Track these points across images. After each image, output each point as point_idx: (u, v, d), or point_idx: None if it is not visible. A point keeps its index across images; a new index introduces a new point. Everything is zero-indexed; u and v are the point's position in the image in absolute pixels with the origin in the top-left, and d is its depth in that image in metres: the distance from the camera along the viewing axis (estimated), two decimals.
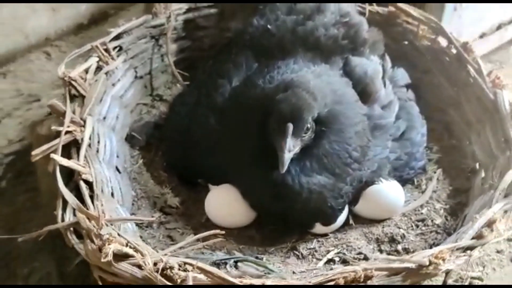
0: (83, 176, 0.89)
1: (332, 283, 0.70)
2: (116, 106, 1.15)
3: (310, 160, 0.91)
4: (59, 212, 0.83)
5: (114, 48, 1.17)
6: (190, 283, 0.69)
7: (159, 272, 0.70)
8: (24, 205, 1.10)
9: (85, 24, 1.43)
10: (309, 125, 0.89)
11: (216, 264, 0.88)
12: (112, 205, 0.90)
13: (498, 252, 1.03)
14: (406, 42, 1.29)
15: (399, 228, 0.98)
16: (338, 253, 0.92)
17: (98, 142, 1.02)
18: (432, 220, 0.99)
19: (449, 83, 1.21)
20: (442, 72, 1.22)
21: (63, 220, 0.82)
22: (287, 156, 0.85)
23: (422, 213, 1.01)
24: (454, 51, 1.19)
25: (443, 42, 1.23)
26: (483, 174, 1.02)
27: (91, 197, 0.88)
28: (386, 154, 1.01)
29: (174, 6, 1.29)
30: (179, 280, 0.69)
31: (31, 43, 1.31)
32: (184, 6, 1.30)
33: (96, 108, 1.05)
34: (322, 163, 0.92)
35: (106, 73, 1.13)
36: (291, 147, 0.86)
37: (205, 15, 1.33)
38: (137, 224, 0.97)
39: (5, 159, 1.16)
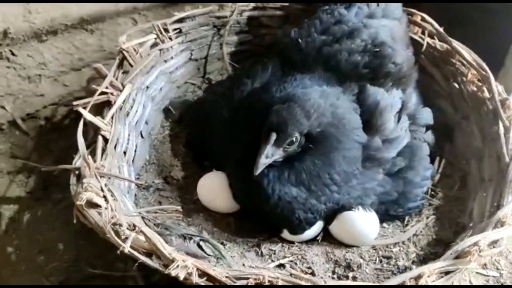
0: (102, 132, 1.06)
1: (244, 281, 0.78)
2: (162, 80, 1.30)
3: (289, 171, 0.99)
4: (76, 157, 1.01)
5: (175, 29, 1.31)
6: (129, 242, 0.81)
7: (110, 225, 0.83)
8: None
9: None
10: (294, 139, 0.96)
11: (183, 236, 1.00)
12: (117, 162, 1.06)
13: None
14: (455, 84, 1.26)
15: (361, 258, 1.00)
16: (291, 261, 0.99)
17: (132, 107, 1.17)
18: (396, 261, 1.00)
19: (481, 135, 1.17)
20: (477, 122, 1.19)
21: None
22: (262, 161, 0.94)
23: (391, 251, 1.03)
24: (493, 103, 1.15)
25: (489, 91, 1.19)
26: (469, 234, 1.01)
27: (103, 151, 1.04)
28: (372, 186, 1.04)
29: (240, 4, 1.39)
30: (123, 237, 0.83)
31: (119, 9, 1.51)
32: (252, 4, 1.40)
33: (140, 77, 1.21)
34: (300, 177, 0.99)
35: (160, 50, 1.28)
36: (269, 154, 0.94)
37: (270, 15, 1.43)
38: (137, 185, 1.12)
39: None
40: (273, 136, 0.94)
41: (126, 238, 0.83)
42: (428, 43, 1.30)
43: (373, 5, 1.17)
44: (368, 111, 1.06)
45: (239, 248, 1.02)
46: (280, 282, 0.77)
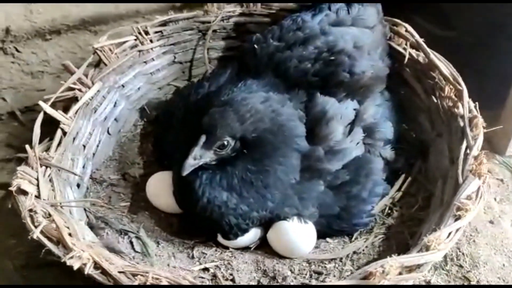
0: (61, 126, 1.11)
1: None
2: (141, 81, 1.34)
3: (221, 175, 0.98)
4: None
5: (156, 32, 1.34)
6: (40, 228, 0.85)
7: (27, 211, 0.87)
8: None
9: (177, 6, 1.63)
10: (226, 143, 0.95)
11: (119, 232, 1.03)
12: (72, 155, 1.10)
13: None
14: (434, 98, 1.19)
15: (291, 270, 0.97)
16: (216, 266, 0.98)
17: (101, 104, 1.22)
18: (326, 277, 0.96)
19: (450, 154, 1.10)
20: (448, 140, 1.12)
21: None
22: (190, 162, 0.94)
23: (325, 267, 0.98)
24: (463, 121, 1.07)
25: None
26: None
27: (59, 143, 1.09)
28: (311, 197, 1.00)
29: (228, 8, 1.40)
30: (36, 223, 0.86)
31: (121, 12, 1.58)
32: (238, 10, 1.41)
33: (113, 76, 1.26)
34: (231, 182, 0.98)
35: (140, 51, 1.32)
36: (197, 156, 0.94)
37: (257, 22, 1.42)
38: (94, 178, 1.15)
39: None
40: (203, 138, 0.94)
41: (39, 224, 0.86)
42: (411, 56, 1.23)
43: (343, 12, 1.14)
44: (314, 119, 1.03)
45: (173, 249, 1.03)
46: (164, 282, 0.76)
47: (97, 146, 1.19)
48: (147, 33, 1.33)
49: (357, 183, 1.03)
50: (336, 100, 1.06)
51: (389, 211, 1.10)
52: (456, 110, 1.10)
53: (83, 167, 1.14)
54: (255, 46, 1.12)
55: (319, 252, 1.02)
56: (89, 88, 1.19)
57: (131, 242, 1.01)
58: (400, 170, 1.15)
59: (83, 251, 0.81)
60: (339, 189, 1.02)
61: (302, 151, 1.01)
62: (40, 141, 1.06)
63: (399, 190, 1.14)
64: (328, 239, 1.06)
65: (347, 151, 1.03)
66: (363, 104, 1.08)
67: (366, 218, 1.04)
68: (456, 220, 0.88)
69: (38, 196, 0.93)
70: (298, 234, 0.99)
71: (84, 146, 1.16)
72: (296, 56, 1.07)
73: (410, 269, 0.81)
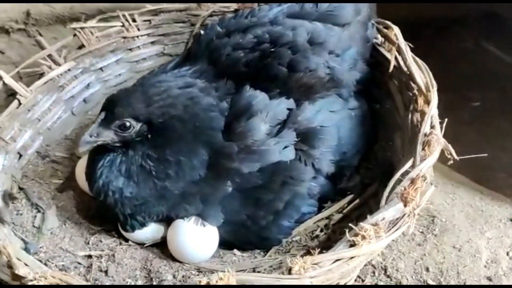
0: (18, 96, 1.13)
1: None
2: (124, 68, 1.34)
3: (122, 159, 0.91)
4: None
5: (145, 21, 1.33)
6: None
7: None
8: None
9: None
10: (127, 124, 0.89)
11: (32, 204, 1.01)
12: (20, 125, 1.11)
13: None
14: (409, 114, 1.01)
15: (173, 276, 0.87)
16: (100, 256, 0.90)
17: (70, 83, 1.23)
18: None
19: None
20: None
21: None
22: (85, 138, 0.89)
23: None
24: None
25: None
26: None
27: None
28: (215, 198, 0.89)
29: (223, 4, 1.35)
30: None
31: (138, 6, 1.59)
32: (234, 6, 1.34)
33: (89, 58, 1.27)
34: (129, 168, 0.90)
35: (124, 38, 1.32)
36: (93, 133, 0.89)
37: None
38: (39, 152, 1.16)
39: None
40: (101, 115, 0.88)
41: None
42: (398, 65, 1.06)
43: (309, 5, 1.01)
44: (236, 113, 0.91)
45: (76, 231, 0.98)
46: None
47: (55, 122, 1.19)
48: (134, 20, 1.31)
49: (270, 190, 0.89)
50: (268, 96, 0.92)
51: (319, 234, 0.92)
52: (419, 126, 0.91)
53: (31, 139, 1.13)
54: (201, 32, 1.04)
55: (218, 262, 0.89)
56: (60, 66, 1.20)
57: (35, 217, 0.98)
58: (348, 190, 0.97)
59: None
60: (249, 194, 0.89)
61: (213, 146, 0.89)
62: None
63: (340, 212, 0.95)
64: (235, 251, 0.92)
65: (266, 153, 0.89)
66: (302, 106, 0.93)
67: (278, 234, 0.89)
68: (350, 246, 0.71)
69: None
70: (193, 237, 0.88)
71: (40, 120, 1.16)
72: (231, 43, 0.97)
73: None
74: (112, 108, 0.88)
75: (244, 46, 0.95)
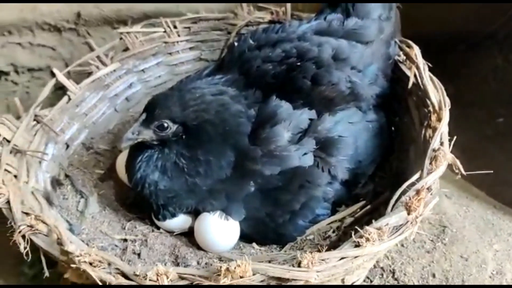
0: (68, 93, 1.26)
1: None
2: (163, 70, 1.45)
3: (158, 156, 1.02)
4: None
5: (185, 27, 1.44)
6: None
7: None
8: None
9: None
10: (165, 125, 0.99)
11: (77, 191, 1.14)
12: (68, 119, 1.24)
13: None
14: (423, 129, 1.08)
15: (197, 262, 0.97)
16: (134, 240, 1.02)
17: (114, 82, 1.35)
18: None
19: None
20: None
21: None
22: (127, 135, 1.00)
23: None
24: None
25: None
26: None
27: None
28: (239, 196, 0.99)
29: (259, 14, 1.44)
30: None
31: (180, 11, 1.70)
32: (268, 17, 1.44)
33: (133, 60, 1.39)
34: (165, 164, 1.01)
35: (166, 43, 1.43)
36: (135, 131, 1.00)
37: None
38: (84, 144, 1.28)
39: None
40: (143, 116, 1.00)
41: None
42: (417, 82, 1.14)
43: (336, 23, 1.10)
44: (262, 121, 1.01)
45: (114, 217, 1.10)
46: None
47: (99, 117, 1.31)
48: (175, 27, 1.42)
49: (288, 191, 0.98)
50: (292, 106, 1.02)
51: (331, 234, 1.01)
52: (430, 141, 0.99)
53: (78, 132, 1.26)
54: (235, 43, 1.14)
55: (237, 253, 0.99)
56: (106, 66, 1.32)
57: (78, 202, 1.10)
58: (362, 196, 1.06)
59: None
60: (269, 194, 0.98)
61: (240, 148, 0.99)
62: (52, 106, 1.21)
63: (352, 215, 1.04)
64: (254, 244, 1.02)
65: (287, 158, 0.98)
66: (322, 117, 1.03)
67: (293, 232, 0.98)
68: (355, 247, 0.80)
69: (8, 141, 1.06)
70: (217, 229, 0.98)
71: (86, 115, 1.28)
72: (261, 56, 1.06)
73: None
74: (152, 110, 0.99)
75: (273, 59, 1.05)
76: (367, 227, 0.80)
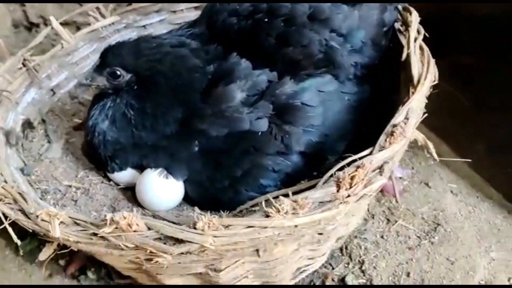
0: (61, 41, 1.27)
1: None
2: (165, 28, 1.39)
3: (110, 106, 0.99)
4: None
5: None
6: None
7: None
8: None
9: None
10: (118, 72, 0.96)
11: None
12: (57, 65, 1.25)
13: None
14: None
15: None
16: (78, 188, 1.00)
17: (111, 35, 1.35)
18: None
19: None
20: None
21: None
22: (82, 80, 0.99)
23: None
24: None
25: None
26: None
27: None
28: (182, 154, 0.93)
29: None
30: None
31: None
32: None
33: (134, 15, 1.37)
34: (114, 114, 0.98)
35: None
36: (89, 76, 0.98)
37: None
38: (69, 92, 1.29)
39: None
40: (97, 62, 0.97)
41: None
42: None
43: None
44: (217, 78, 0.94)
45: (73, 165, 1.09)
46: None
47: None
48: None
49: (231, 156, 0.90)
50: (253, 66, 0.94)
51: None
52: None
53: (66, 80, 1.27)
54: None
55: (175, 214, 0.94)
56: (105, 18, 1.31)
57: (42, 145, 1.11)
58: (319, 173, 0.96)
59: None
60: (212, 156, 0.92)
61: (189, 105, 0.93)
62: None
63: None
64: (196, 208, 0.96)
65: (236, 120, 0.90)
66: (283, 80, 0.93)
67: (233, 198, 0.91)
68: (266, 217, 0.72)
69: None
70: (156, 187, 0.94)
71: (78, 65, 1.29)
72: (228, 9, 0.98)
73: None
74: (106, 56, 0.95)
75: (239, 13, 0.96)
76: (282, 198, 0.71)
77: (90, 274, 1.06)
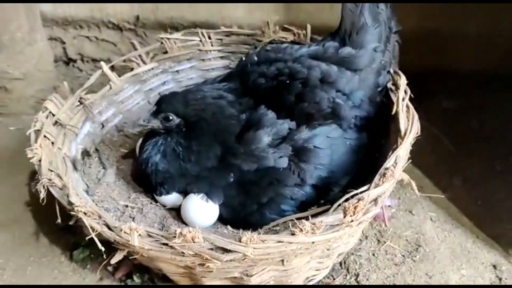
0: (110, 83, 1.53)
1: None
2: (195, 73, 1.67)
3: (162, 142, 1.25)
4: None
5: (218, 39, 1.66)
6: None
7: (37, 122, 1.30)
8: None
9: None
10: (170, 117, 1.22)
11: (101, 161, 1.39)
12: (107, 104, 1.51)
13: None
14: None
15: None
16: (133, 207, 1.25)
17: (150, 79, 1.60)
18: None
19: None
20: None
21: None
22: (139, 122, 1.24)
23: None
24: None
25: None
26: None
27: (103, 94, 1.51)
28: (219, 184, 1.19)
29: (283, 34, 1.63)
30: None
31: (225, 23, 1.92)
32: (290, 38, 1.62)
33: (169, 62, 1.62)
34: (166, 150, 1.24)
35: (200, 50, 1.66)
36: (146, 119, 1.24)
37: None
38: (117, 126, 1.54)
39: None
40: (154, 108, 1.23)
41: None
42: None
43: (332, 50, 1.26)
44: (248, 124, 1.20)
45: (125, 188, 1.32)
46: None
47: (133, 106, 1.56)
48: (210, 37, 1.65)
49: (259, 186, 1.16)
50: (277, 116, 1.20)
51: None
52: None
53: (113, 116, 1.52)
54: (243, 58, 1.34)
55: (212, 231, 1.19)
56: (146, 64, 1.58)
57: (99, 171, 1.35)
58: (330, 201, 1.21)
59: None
60: (244, 186, 1.17)
61: (226, 145, 1.19)
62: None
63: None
64: (229, 227, 1.22)
65: (263, 158, 1.16)
66: (300, 128, 1.19)
67: (259, 220, 1.16)
68: (291, 235, 0.97)
69: (53, 115, 1.33)
70: (198, 208, 1.19)
71: (123, 103, 1.54)
72: (258, 71, 1.25)
73: None
74: (161, 104, 1.22)
75: (267, 75, 1.24)
76: (303, 221, 0.97)
77: (135, 278, 1.29)
